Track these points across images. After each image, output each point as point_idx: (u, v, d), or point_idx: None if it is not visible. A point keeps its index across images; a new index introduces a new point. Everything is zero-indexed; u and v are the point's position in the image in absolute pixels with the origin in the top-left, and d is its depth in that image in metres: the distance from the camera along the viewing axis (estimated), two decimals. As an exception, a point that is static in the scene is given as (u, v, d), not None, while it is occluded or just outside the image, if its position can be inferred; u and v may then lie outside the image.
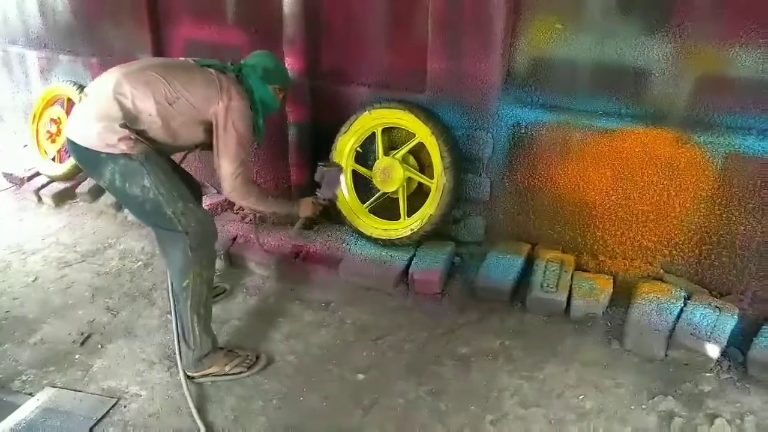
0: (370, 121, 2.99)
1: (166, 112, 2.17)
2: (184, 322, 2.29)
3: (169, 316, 2.61)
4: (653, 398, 2.21)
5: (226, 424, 2.15)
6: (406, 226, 2.97)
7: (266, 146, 3.25)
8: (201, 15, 3.51)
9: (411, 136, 2.93)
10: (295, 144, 3.20)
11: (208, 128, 2.29)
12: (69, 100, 4.02)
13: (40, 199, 3.98)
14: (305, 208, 2.78)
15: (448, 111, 2.91)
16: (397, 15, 3.00)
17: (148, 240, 3.31)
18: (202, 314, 2.29)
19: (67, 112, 3.98)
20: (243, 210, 3.51)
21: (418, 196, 3.02)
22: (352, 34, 3.12)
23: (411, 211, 3.00)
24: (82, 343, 2.58)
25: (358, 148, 3.11)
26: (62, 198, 3.94)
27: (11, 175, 4.22)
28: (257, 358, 2.42)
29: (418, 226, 2.91)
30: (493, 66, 2.75)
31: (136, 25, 3.67)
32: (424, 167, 3.02)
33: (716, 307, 2.44)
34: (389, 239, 2.99)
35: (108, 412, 2.20)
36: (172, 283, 2.37)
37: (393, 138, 3.08)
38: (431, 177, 2.91)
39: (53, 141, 4.12)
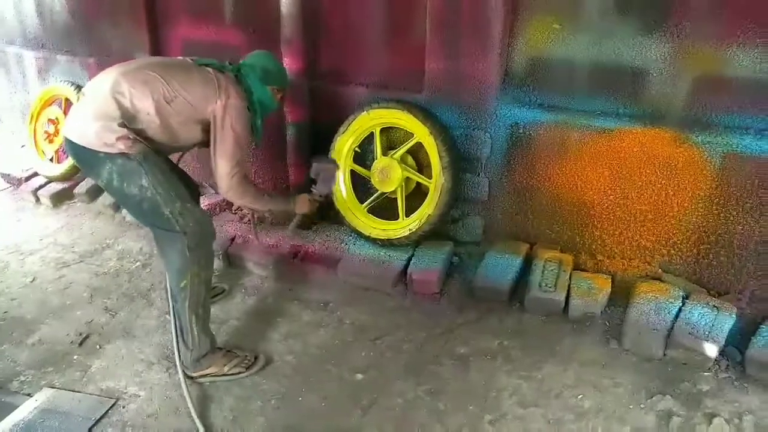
0: (369, 121, 2.99)
1: (164, 111, 2.17)
2: (182, 323, 2.29)
3: (167, 316, 2.60)
4: (652, 397, 2.21)
5: (225, 425, 2.14)
6: (404, 226, 2.97)
7: (265, 146, 3.25)
8: (199, 15, 3.51)
9: (409, 136, 2.93)
10: (294, 144, 3.20)
11: (206, 128, 2.28)
12: (67, 100, 4.01)
13: (38, 199, 3.97)
14: (301, 205, 2.78)
15: (446, 111, 2.91)
16: (395, 15, 3.00)
17: (147, 240, 3.31)
18: (200, 314, 2.28)
19: (65, 113, 3.97)
20: (241, 210, 3.51)
21: (416, 196, 3.02)
22: (350, 35, 3.12)
23: (409, 211, 3.01)
24: (81, 344, 2.58)
25: (357, 148, 3.11)
26: (60, 198, 3.93)
27: (9, 175, 4.21)
28: (256, 358, 2.42)
29: (417, 226, 2.91)
30: (491, 66, 2.76)
31: (134, 25, 3.66)
32: (423, 167, 3.02)
33: (714, 306, 2.45)
34: (388, 239, 2.99)
35: (106, 412, 2.20)
36: (170, 284, 2.37)
37: (391, 138, 3.08)
38: (429, 177, 2.91)
39: (51, 141, 4.11)
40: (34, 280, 3.08)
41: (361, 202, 3.12)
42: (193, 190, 2.60)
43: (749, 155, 2.40)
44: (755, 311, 2.50)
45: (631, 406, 2.18)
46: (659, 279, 2.70)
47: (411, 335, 2.59)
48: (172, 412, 2.20)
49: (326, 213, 3.21)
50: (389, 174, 2.97)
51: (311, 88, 3.13)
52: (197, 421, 2.11)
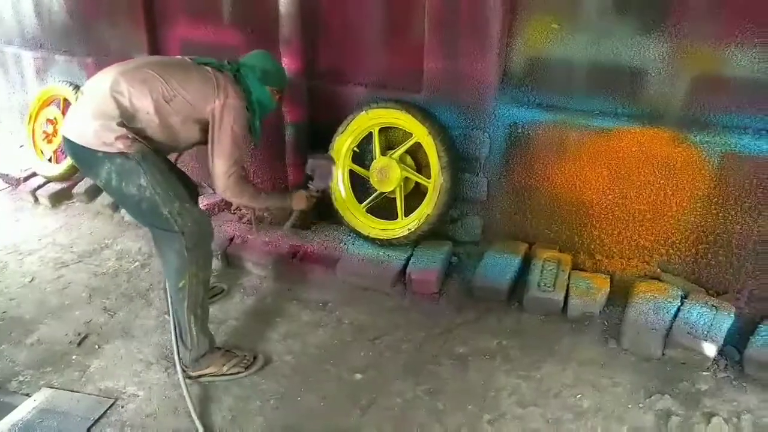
0: (367, 121, 2.99)
1: (163, 110, 2.17)
2: (181, 323, 2.28)
3: (166, 316, 2.60)
4: (650, 397, 2.22)
5: (224, 425, 2.14)
6: (403, 226, 2.97)
7: (263, 146, 3.25)
8: (197, 15, 3.51)
9: (408, 135, 2.93)
10: (292, 144, 3.20)
11: (205, 127, 2.28)
12: (65, 100, 4.01)
13: (36, 199, 3.96)
14: (298, 201, 2.78)
15: (445, 111, 2.91)
16: (393, 15, 3.00)
17: (145, 240, 3.30)
18: (199, 314, 2.28)
19: (63, 113, 3.97)
20: (240, 210, 3.51)
21: (415, 195, 3.02)
22: (348, 34, 3.12)
23: (408, 211, 3.01)
24: (79, 344, 2.57)
25: (355, 148, 3.11)
26: (59, 198, 3.93)
27: (7, 175, 4.20)
28: (255, 358, 2.42)
29: (416, 226, 2.91)
30: (490, 66, 2.76)
31: (132, 25, 3.66)
32: (421, 167, 3.02)
33: (713, 306, 2.45)
34: (386, 239, 2.99)
35: (105, 412, 2.19)
36: (168, 284, 2.37)
37: (390, 138, 3.08)
38: (428, 177, 2.91)
39: (49, 141, 4.11)
40: (32, 280, 3.07)
41: (360, 202, 3.12)
42: (191, 190, 2.60)
43: (747, 155, 2.41)
44: (754, 311, 2.51)
45: (629, 406, 2.19)
46: (658, 278, 2.71)
47: (410, 335, 2.59)
48: (171, 412, 2.20)
49: (324, 210, 3.20)
50: (388, 174, 2.97)
51: (310, 88, 3.13)
52: (196, 420, 2.11)
